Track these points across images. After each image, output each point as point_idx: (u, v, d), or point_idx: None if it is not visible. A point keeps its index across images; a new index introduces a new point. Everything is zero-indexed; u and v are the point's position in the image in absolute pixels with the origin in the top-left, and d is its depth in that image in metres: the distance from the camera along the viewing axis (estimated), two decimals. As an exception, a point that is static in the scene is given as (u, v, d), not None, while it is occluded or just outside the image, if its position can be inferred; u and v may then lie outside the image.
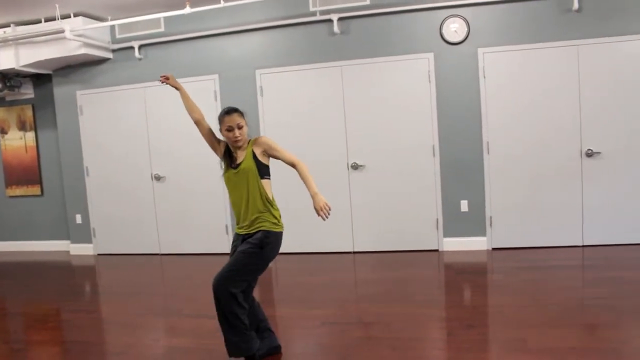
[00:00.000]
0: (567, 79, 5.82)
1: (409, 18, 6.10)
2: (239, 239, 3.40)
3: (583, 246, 5.95)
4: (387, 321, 4.10)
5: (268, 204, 3.32)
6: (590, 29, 5.74)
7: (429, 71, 6.09)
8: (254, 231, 3.30)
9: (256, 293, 5.15)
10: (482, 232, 6.17)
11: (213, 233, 6.92)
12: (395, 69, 6.18)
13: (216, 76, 6.70)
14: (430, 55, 6.08)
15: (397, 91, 6.18)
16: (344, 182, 6.40)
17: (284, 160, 3.32)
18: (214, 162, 6.45)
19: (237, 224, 3.42)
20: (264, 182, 3.32)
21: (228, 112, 3.31)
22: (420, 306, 4.41)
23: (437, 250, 6.25)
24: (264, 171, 3.34)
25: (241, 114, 3.32)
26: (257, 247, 3.25)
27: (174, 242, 7.09)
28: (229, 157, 3.42)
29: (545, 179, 5.97)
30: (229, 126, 3.29)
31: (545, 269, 5.26)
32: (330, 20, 6.24)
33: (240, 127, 3.29)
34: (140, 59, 6.92)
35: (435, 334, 3.86)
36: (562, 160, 5.91)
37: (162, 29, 6.79)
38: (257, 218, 3.30)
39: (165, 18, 6.69)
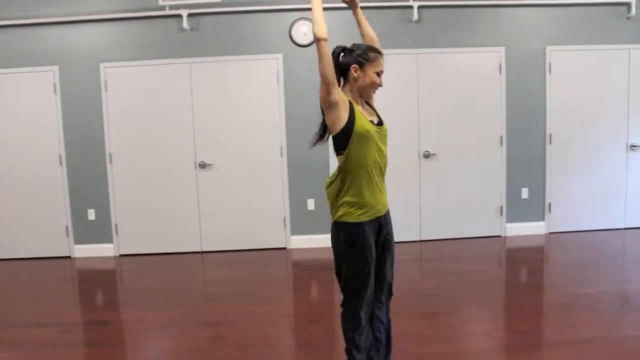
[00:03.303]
0: (408, 84, 6.23)
1: (259, 18, 6.15)
2: (382, 222, 2.76)
3: (421, 241, 6.39)
4: (233, 320, 4.12)
5: None
6: (427, 39, 6.20)
7: (277, 72, 6.19)
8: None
9: (95, 298, 4.94)
10: (326, 231, 6.37)
11: (51, 235, 6.45)
12: (245, 68, 6.20)
13: (56, 67, 6.26)
14: (280, 56, 6.18)
15: (247, 90, 6.21)
16: (191, 181, 6.30)
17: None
18: (54, 155, 6.05)
19: (372, 206, 2.67)
20: None
21: (380, 52, 2.66)
22: (266, 304, 4.48)
23: (284, 249, 6.39)
24: None
25: None
26: None
27: (8, 245, 6.50)
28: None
29: (389, 178, 6.29)
30: (381, 70, 2.61)
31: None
32: (179, 16, 6.11)
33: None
34: (-34, 45, 6.30)
35: (281, 330, 3.95)
36: (404, 160, 6.30)
37: (-7, 13, 6.24)
38: None
39: (-3, 1, 6.16)
